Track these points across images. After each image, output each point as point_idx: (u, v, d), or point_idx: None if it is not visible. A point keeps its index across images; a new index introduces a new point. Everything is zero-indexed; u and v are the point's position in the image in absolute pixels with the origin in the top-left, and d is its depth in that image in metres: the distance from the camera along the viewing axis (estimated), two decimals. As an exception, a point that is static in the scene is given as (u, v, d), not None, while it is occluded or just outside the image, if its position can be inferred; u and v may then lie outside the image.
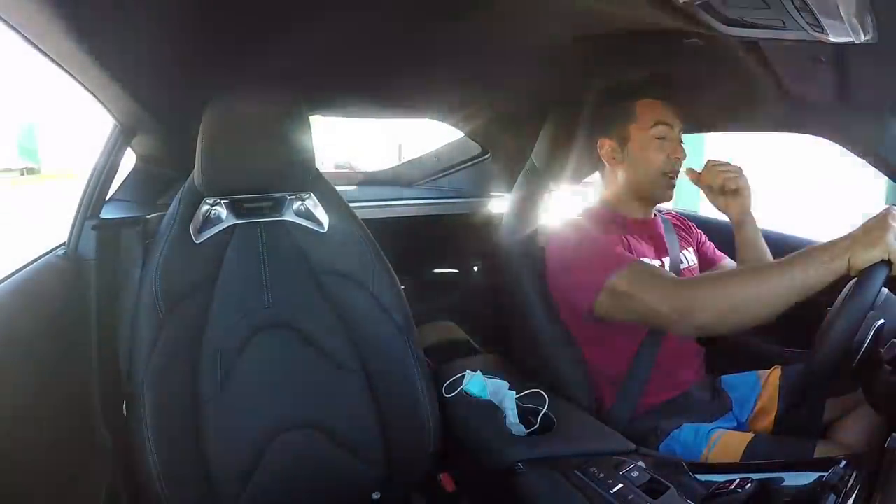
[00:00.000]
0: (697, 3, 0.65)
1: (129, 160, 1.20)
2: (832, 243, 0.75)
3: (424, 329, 1.27)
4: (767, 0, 0.60)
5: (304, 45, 0.95)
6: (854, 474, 0.63)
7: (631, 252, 1.01)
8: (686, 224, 1.22)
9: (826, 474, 0.63)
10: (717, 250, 1.20)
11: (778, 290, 0.77)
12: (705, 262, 1.17)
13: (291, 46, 0.95)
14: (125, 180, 1.24)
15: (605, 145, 1.08)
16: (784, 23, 0.65)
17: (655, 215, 1.14)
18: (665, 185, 1.04)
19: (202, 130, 0.89)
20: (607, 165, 1.09)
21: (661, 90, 1.05)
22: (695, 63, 0.96)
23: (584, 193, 1.29)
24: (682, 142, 1.05)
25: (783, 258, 0.79)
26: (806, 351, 0.81)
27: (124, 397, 0.91)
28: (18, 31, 0.69)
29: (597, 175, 1.19)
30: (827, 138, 1.05)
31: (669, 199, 1.08)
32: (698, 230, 1.22)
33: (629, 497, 0.70)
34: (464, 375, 1.04)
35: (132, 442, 0.84)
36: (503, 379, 1.03)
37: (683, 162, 1.06)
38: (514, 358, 1.17)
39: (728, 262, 1.17)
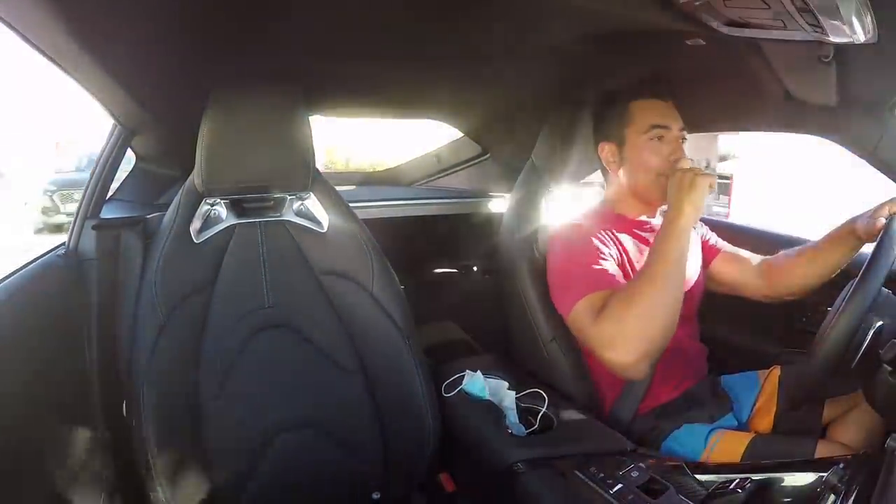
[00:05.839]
0: (698, 3, 0.65)
1: (128, 160, 1.20)
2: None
3: (424, 329, 1.27)
4: (767, 0, 0.60)
5: (305, 45, 0.95)
6: (854, 474, 0.63)
7: (628, 256, 1.01)
8: None
9: (826, 474, 0.63)
10: (717, 241, 1.17)
11: (660, 287, 0.84)
12: (707, 259, 1.15)
13: (292, 46, 0.95)
14: (125, 180, 1.24)
15: (605, 149, 1.07)
16: (784, 23, 0.65)
17: (659, 215, 1.13)
18: (663, 186, 1.00)
19: (202, 130, 0.89)
20: (608, 168, 1.09)
21: (658, 89, 1.03)
22: (696, 63, 0.96)
23: (584, 193, 1.28)
24: (683, 140, 1.03)
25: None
26: (805, 351, 0.80)
27: (124, 397, 0.91)
28: (18, 31, 0.69)
29: (597, 175, 1.19)
30: (827, 138, 1.05)
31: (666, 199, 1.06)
32: (704, 227, 1.20)
33: (629, 497, 0.70)
34: (463, 375, 1.04)
35: (132, 441, 0.84)
36: (503, 379, 1.03)
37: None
38: (514, 358, 1.17)
39: (728, 248, 1.16)
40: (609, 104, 1.07)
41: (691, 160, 1.01)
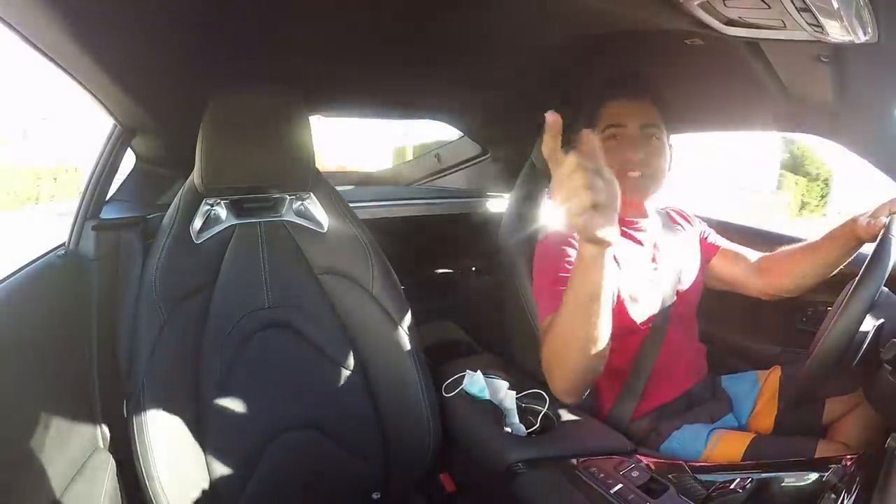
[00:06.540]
0: (698, 2, 0.65)
1: (129, 160, 1.20)
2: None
3: (424, 329, 1.27)
4: (767, 0, 0.60)
5: (305, 46, 0.95)
6: (854, 474, 0.63)
7: (615, 260, 1.00)
8: (686, 218, 1.18)
9: (826, 474, 0.63)
10: (716, 238, 1.16)
11: (572, 323, 0.72)
12: (706, 256, 1.14)
13: (292, 47, 0.95)
14: (125, 180, 1.24)
15: None
16: (784, 23, 0.65)
17: (655, 214, 1.11)
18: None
19: (202, 131, 0.89)
20: None
21: (623, 89, 1.01)
22: (696, 63, 0.96)
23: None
24: (651, 138, 0.99)
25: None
26: (805, 351, 0.80)
27: (124, 397, 0.91)
28: (18, 31, 0.69)
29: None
30: (827, 138, 1.05)
31: (639, 198, 1.03)
32: (703, 223, 1.19)
33: (629, 497, 0.70)
34: (464, 375, 1.04)
35: (132, 441, 0.84)
36: (503, 379, 1.03)
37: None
38: (514, 358, 1.17)
39: (727, 245, 1.14)
40: (585, 107, 1.07)
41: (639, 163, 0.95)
